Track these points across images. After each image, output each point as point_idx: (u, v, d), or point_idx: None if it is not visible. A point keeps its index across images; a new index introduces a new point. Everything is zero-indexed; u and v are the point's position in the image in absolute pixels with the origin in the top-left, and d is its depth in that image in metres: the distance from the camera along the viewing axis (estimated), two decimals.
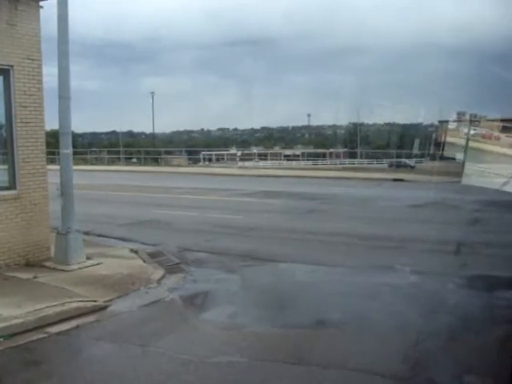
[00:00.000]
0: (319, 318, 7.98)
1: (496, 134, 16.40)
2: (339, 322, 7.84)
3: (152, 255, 11.82)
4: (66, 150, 10.84)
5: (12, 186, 10.63)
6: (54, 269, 10.37)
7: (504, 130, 16.43)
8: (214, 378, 6.08)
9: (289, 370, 6.15)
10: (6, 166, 10.72)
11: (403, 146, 59.60)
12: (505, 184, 15.04)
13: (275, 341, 7.14)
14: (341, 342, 7.08)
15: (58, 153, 11.06)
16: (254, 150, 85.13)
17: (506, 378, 4.63)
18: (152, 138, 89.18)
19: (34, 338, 7.07)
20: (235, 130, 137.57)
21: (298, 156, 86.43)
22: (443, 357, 6.51)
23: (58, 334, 7.27)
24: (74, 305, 8.13)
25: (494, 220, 17.86)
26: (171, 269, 10.74)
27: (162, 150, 65.96)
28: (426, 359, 6.48)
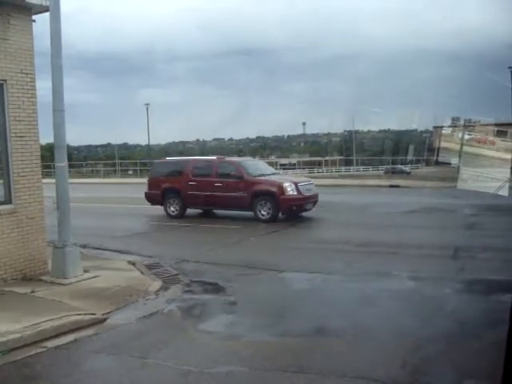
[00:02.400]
0: (318, 325, 7.97)
1: (491, 138, 16.38)
2: (338, 329, 7.83)
3: (149, 267, 11.80)
4: (62, 163, 10.83)
5: (8, 200, 10.61)
6: (52, 283, 10.35)
7: (499, 134, 16.40)
8: None
9: (289, 379, 6.12)
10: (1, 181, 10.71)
11: (398, 152, 59.83)
12: (500, 188, 15.05)
13: (274, 350, 7.12)
14: (340, 350, 7.06)
15: (54, 166, 11.06)
16: None
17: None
18: (147, 150, 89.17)
19: (32, 352, 7.03)
20: (231, 139, 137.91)
21: (294, 165, 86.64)
22: (442, 362, 6.51)
23: (56, 348, 7.24)
24: (72, 318, 8.11)
25: (490, 224, 17.88)
26: (169, 280, 10.72)
27: None
28: (426, 365, 6.47)
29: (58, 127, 10.74)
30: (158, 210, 20.99)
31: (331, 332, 7.77)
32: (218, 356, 6.95)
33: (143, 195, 21.84)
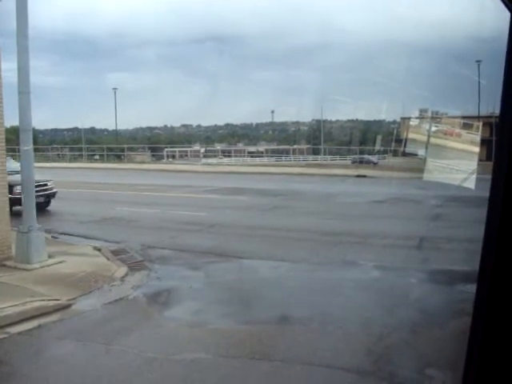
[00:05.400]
0: (283, 313, 8.00)
1: (457, 130, 16.64)
2: (303, 317, 7.87)
3: (115, 253, 11.72)
4: (27, 146, 10.65)
5: None
6: (16, 268, 10.21)
7: (465, 126, 16.69)
8: (179, 376, 6.05)
9: (254, 366, 6.15)
10: None
11: (366, 142, 60.21)
12: (465, 180, 15.27)
13: (240, 337, 7.13)
14: (305, 338, 7.11)
15: (19, 150, 10.88)
16: (218, 147, 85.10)
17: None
18: (115, 135, 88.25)
19: None
20: (199, 126, 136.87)
21: (262, 153, 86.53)
22: (405, 350, 6.59)
23: (20, 333, 7.15)
24: (36, 304, 8.01)
25: (454, 215, 18.11)
26: (135, 266, 10.66)
27: (125, 146, 65.34)
28: (389, 353, 6.55)
29: (24, 110, 10.55)
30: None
31: (297, 320, 7.80)
32: (184, 343, 6.94)
33: (104, 180, 21.46)
